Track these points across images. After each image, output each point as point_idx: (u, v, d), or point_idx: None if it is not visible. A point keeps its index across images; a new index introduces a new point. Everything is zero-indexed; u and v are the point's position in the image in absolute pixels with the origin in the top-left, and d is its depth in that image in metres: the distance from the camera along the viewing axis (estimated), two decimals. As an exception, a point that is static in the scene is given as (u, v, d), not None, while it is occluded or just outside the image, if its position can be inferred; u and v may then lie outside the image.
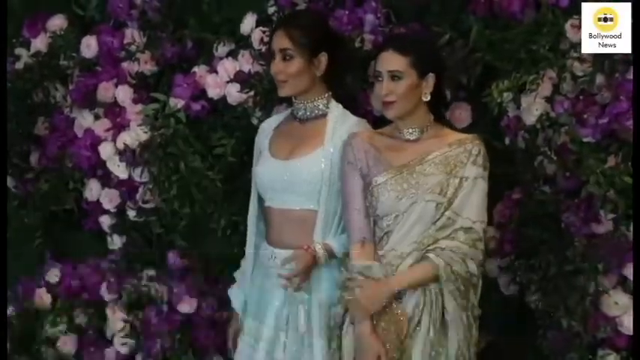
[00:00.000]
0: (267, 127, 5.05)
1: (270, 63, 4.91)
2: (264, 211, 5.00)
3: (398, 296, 4.51)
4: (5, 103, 5.72)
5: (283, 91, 4.88)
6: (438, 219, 4.49)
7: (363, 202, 4.64)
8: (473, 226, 4.50)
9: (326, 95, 4.92)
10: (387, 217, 4.57)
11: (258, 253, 5.02)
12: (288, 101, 5.14)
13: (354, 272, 4.55)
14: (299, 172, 4.80)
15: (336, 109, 4.91)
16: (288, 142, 4.90)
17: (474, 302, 4.56)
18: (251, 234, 5.06)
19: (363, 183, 4.65)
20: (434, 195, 4.49)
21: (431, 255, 4.45)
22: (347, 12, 5.34)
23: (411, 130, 4.63)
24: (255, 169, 4.99)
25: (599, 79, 4.99)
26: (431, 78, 4.59)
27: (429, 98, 4.59)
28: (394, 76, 4.54)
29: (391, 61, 4.56)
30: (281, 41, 4.81)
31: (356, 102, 5.28)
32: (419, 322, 4.48)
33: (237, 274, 5.15)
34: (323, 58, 4.87)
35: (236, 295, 5.09)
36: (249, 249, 5.06)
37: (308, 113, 4.90)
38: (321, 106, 4.89)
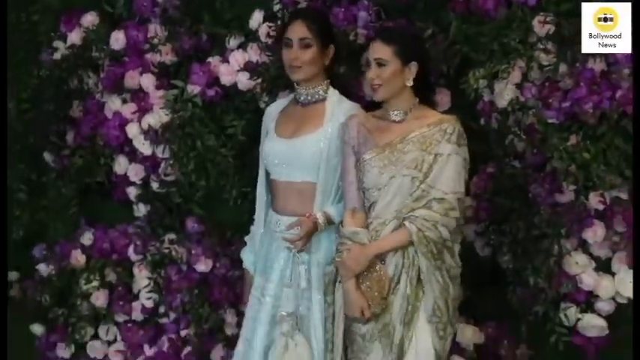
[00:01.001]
0: (273, 111, 5.02)
1: (280, 51, 4.86)
2: (270, 184, 4.93)
3: (381, 259, 4.54)
4: (5, 104, 5.62)
5: (296, 76, 4.84)
6: (414, 191, 4.49)
7: (355, 176, 4.65)
8: (445, 197, 4.47)
9: (325, 82, 4.90)
10: (372, 190, 4.59)
11: (265, 220, 4.93)
12: (291, 87, 5.07)
13: (344, 237, 4.59)
14: (301, 149, 4.79)
15: (333, 95, 4.90)
16: (292, 123, 4.88)
17: (450, 263, 4.55)
18: (260, 203, 5.01)
19: (356, 160, 4.65)
20: (410, 170, 4.50)
21: (406, 222, 4.47)
22: (342, 9, 5.30)
23: (396, 112, 4.62)
24: (263, 147, 4.93)
25: (562, 68, 4.95)
26: (413, 66, 4.59)
27: (411, 84, 4.59)
28: (380, 64, 4.56)
29: (378, 49, 4.57)
30: (301, 30, 4.78)
31: (350, 88, 5.18)
32: (398, 280, 4.52)
33: (247, 238, 5.14)
34: (331, 50, 4.89)
35: (247, 256, 5.09)
36: (258, 216, 5.03)
37: (309, 98, 4.87)
38: (320, 92, 4.87)
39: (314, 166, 4.79)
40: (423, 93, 4.71)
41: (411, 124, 4.61)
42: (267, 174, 4.99)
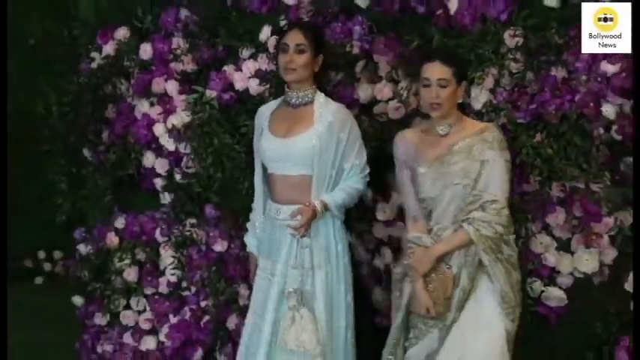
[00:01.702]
0: (265, 111, 4.98)
1: (278, 56, 4.85)
2: (267, 177, 4.94)
3: (446, 262, 4.55)
4: (5, 106, 5.66)
5: (289, 77, 4.81)
6: (468, 197, 4.48)
7: (411, 187, 4.63)
8: (496, 198, 4.48)
9: (313, 87, 4.87)
10: (427, 199, 4.56)
11: (265, 209, 4.98)
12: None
13: (409, 242, 4.61)
14: (296, 146, 4.78)
15: (320, 97, 4.87)
16: (285, 123, 4.85)
17: (508, 252, 4.56)
18: (258, 194, 5.03)
19: (410, 173, 4.63)
20: (460, 179, 4.48)
21: (464, 225, 4.47)
22: (340, 24, 5.28)
23: (443, 127, 4.57)
24: (260, 144, 4.91)
25: (529, 75, 4.95)
26: (464, 85, 4.61)
27: (461, 101, 4.61)
28: (441, 85, 4.49)
29: (439, 71, 4.50)
30: (297, 37, 4.77)
31: (346, 92, 5.23)
32: (459, 278, 4.53)
33: (248, 225, 5.13)
34: (320, 59, 4.87)
35: (250, 240, 5.09)
36: (257, 205, 5.05)
37: (300, 100, 4.85)
38: (309, 95, 4.85)
39: (308, 161, 4.77)
40: (462, 104, 4.70)
41: (454, 137, 4.57)
42: (264, 168, 4.97)
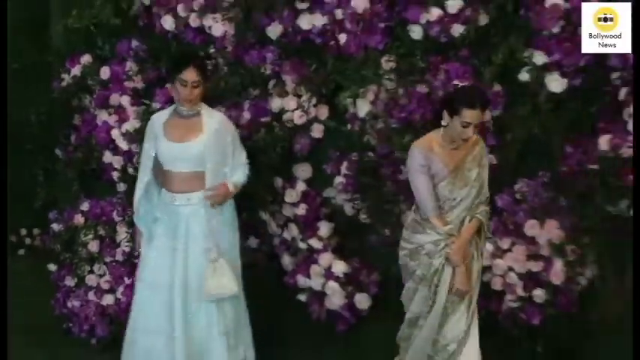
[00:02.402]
0: (157, 120, 4.79)
1: (176, 88, 4.67)
2: (164, 172, 4.77)
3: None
4: (5, 108, 5.55)
5: (187, 106, 4.65)
6: (476, 195, 4.34)
7: (430, 190, 4.32)
8: (488, 194, 4.40)
9: (200, 102, 4.72)
10: (449, 201, 4.34)
11: (159, 197, 4.82)
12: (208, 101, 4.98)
13: (444, 234, 4.33)
14: (189, 150, 4.68)
15: (206, 109, 4.77)
16: (178, 130, 4.69)
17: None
18: (141, 186, 4.82)
19: (429, 178, 4.32)
20: (474, 182, 4.33)
21: (478, 216, 4.33)
22: (256, 51, 5.28)
23: (454, 144, 4.30)
24: (158, 148, 4.73)
25: (400, 91, 4.94)
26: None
27: None
28: (476, 126, 4.22)
29: (479, 117, 4.21)
30: (193, 75, 4.60)
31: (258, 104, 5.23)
32: (472, 258, 4.41)
33: (135, 209, 4.87)
34: (207, 86, 4.77)
35: (141, 222, 4.88)
36: (140, 195, 4.82)
37: (190, 112, 4.70)
38: (197, 108, 4.70)
39: (199, 161, 4.67)
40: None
41: (462, 149, 4.34)
42: (158, 164, 4.80)
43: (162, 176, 4.81)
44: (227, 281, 4.70)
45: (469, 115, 4.18)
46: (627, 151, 4.50)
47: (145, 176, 4.82)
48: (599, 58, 4.58)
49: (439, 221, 4.33)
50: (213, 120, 4.74)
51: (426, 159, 4.30)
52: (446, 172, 4.30)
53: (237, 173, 4.81)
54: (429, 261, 4.39)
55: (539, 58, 4.67)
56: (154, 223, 4.84)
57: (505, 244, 4.88)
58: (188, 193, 4.71)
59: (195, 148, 4.68)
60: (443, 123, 4.30)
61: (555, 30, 4.59)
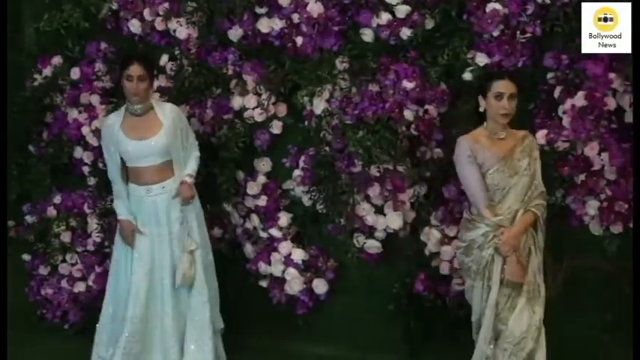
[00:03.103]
0: (113, 122, 4.81)
1: (124, 85, 4.74)
2: (130, 169, 4.81)
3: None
4: (5, 109, 5.57)
5: (135, 100, 4.72)
6: (530, 187, 4.22)
7: (481, 182, 4.25)
8: (543, 188, 4.27)
9: (150, 99, 4.83)
10: (498, 190, 4.23)
11: (127, 191, 4.84)
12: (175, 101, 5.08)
13: (493, 225, 4.23)
14: (153, 146, 4.74)
15: (156, 103, 4.85)
16: (136, 129, 4.74)
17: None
18: (119, 182, 4.85)
19: (478, 168, 4.23)
20: (526, 171, 4.20)
21: (532, 209, 4.20)
22: (218, 53, 5.31)
23: (502, 133, 4.24)
24: (120, 148, 4.75)
25: (353, 90, 4.99)
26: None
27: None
28: (512, 97, 4.16)
29: (510, 86, 4.15)
30: (138, 70, 4.68)
31: (220, 102, 5.25)
32: (530, 252, 4.26)
33: (117, 202, 4.91)
34: (154, 81, 4.91)
35: (124, 212, 4.87)
36: (120, 190, 4.87)
37: (143, 110, 4.77)
38: (148, 104, 4.78)
39: (165, 152, 4.73)
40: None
41: (511, 140, 4.25)
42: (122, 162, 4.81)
43: (128, 173, 4.83)
44: (189, 274, 4.79)
45: (499, 85, 4.15)
46: (562, 145, 4.61)
47: (117, 181, 4.85)
48: (536, 59, 4.70)
49: (489, 212, 4.24)
50: (166, 111, 4.79)
51: (471, 149, 4.24)
52: (494, 160, 4.21)
53: (190, 162, 4.88)
54: (480, 253, 4.28)
55: (481, 59, 4.78)
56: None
57: (452, 231, 4.97)
58: (161, 182, 4.78)
59: (160, 142, 4.73)
60: (481, 109, 4.30)
61: (495, 33, 4.71)
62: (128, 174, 4.84)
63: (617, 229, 4.71)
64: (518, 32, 4.70)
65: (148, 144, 4.74)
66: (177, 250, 4.82)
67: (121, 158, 4.82)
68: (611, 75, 4.53)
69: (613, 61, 4.52)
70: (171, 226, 4.82)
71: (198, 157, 4.96)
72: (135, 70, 4.68)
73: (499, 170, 4.22)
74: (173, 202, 4.80)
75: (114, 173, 4.85)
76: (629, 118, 4.59)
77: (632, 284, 4.31)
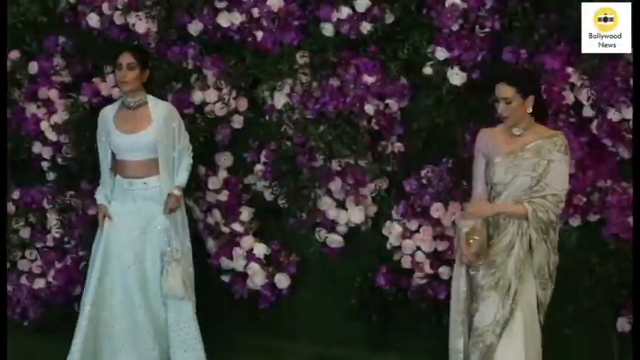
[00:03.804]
0: (108, 113, 4.81)
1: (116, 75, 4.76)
2: (117, 161, 4.80)
3: (500, 227, 4.09)
4: (5, 107, 5.48)
5: (125, 88, 4.72)
6: (534, 186, 4.00)
7: (483, 174, 4.15)
8: (557, 192, 4.00)
9: (144, 92, 4.78)
10: (498, 185, 4.07)
11: (113, 183, 4.83)
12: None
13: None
14: (142, 139, 4.71)
15: (152, 100, 4.80)
16: (128, 122, 4.73)
17: (553, 237, 4.09)
18: (106, 173, 4.84)
19: (485, 161, 4.13)
20: (529, 172, 4.00)
21: (525, 203, 3.98)
22: (178, 47, 5.25)
23: (517, 130, 4.04)
24: (111, 140, 4.75)
25: (314, 84, 5.00)
26: (531, 98, 4.00)
27: (530, 111, 4.01)
28: (506, 102, 3.98)
29: (503, 90, 3.98)
30: (127, 58, 4.68)
31: (181, 97, 5.21)
32: (513, 246, 4.05)
33: (99, 190, 4.90)
34: (147, 72, 4.79)
35: (101, 197, 4.85)
36: (105, 181, 4.85)
37: (136, 104, 4.75)
38: (143, 99, 4.75)
39: (152, 149, 4.71)
40: (538, 114, 4.08)
41: (528, 137, 4.04)
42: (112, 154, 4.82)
43: (116, 165, 4.82)
44: (179, 284, 4.74)
45: (496, 89, 4.03)
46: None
47: (105, 170, 4.84)
48: (495, 54, 4.71)
49: (478, 200, 4.17)
50: (159, 109, 4.77)
51: (481, 140, 4.18)
52: (498, 153, 4.09)
53: (180, 172, 4.85)
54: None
55: (441, 53, 4.77)
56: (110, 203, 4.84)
57: (413, 225, 4.96)
58: (144, 178, 4.75)
59: (146, 138, 4.71)
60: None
61: (455, 28, 4.70)
62: (116, 165, 4.83)
63: (575, 222, 4.72)
64: (477, 27, 4.70)
65: (134, 138, 4.73)
66: (150, 244, 4.77)
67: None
68: (569, 69, 4.55)
69: (570, 55, 4.54)
70: (150, 221, 4.79)
71: (190, 165, 4.93)
72: (124, 58, 4.69)
73: (500, 164, 4.07)
74: (154, 198, 4.79)
75: (103, 163, 4.85)
76: (587, 112, 4.59)
77: (632, 286, 4.30)
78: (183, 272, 4.77)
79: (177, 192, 4.79)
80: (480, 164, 4.19)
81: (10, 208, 5.69)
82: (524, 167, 4.03)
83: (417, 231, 4.94)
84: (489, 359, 4.06)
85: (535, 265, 4.07)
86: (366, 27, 4.87)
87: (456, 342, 4.19)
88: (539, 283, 4.09)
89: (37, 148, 5.60)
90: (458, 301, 4.18)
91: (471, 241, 4.06)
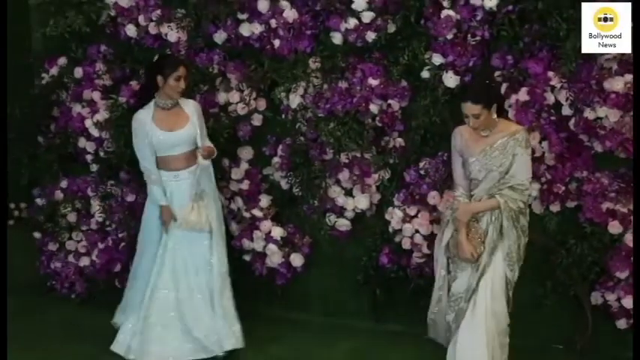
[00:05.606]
0: (144, 116, 4.75)
1: (169, 83, 4.69)
2: (160, 157, 4.78)
3: (478, 219, 4.20)
4: (5, 109, 5.50)
5: (178, 96, 4.73)
6: (501, 179, 4.10)
7: (461, 169, 4.23)
8: (522, 182, 4.09)
9: None
10: (474, 180, 4.18)
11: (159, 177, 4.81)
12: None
13: (456, 202, 4.27)
14: (183, 137, 4.75)
15: (181, 99, 4.79)
16: (166, 121, 4.73)
17: (523, 222, 4.18)
18: (155, 170, 4.79)
19: (461, 159, 4.22)
20: (497, 168, 4.10)
21: (497, 196, 4.10)
22: (205, 54, 5.26)
23: (485, 132, 4.13)
24: (154, 139, 4.71)
25: (325, 86, 4.99)
26: (494, 106, 4.08)
27: (495, 116, 4.09)
28: (475, 117, 4.04)
29: (471, 109, 4.03)
30: (183, 71, 4.68)
31: (207, 98, 5.24)
32: (487, 231, 4.17)
33: (156, 189, 4.81)
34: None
35: (160, 197, 4.83)
36: (156, 177, 4.80)
37: (172, 104, 4.76)
38: (176, 99, 4.77)
39: (193, 142, 4.76)
40: (501, 112, 4.18)
41: (494, 137, 4.11)
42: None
43: (159, 161, 4.80)
44: (204, 218, 4.80)
45: (464, 108, 4.09)
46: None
47: (154, 170, 4.80)
48: (485, 60, 4.74)
49: (460, 194, 4.26)
50: (189, 106, 4.80)
51: (456, 139, 4.22)
52: (471, 153, 4.16)
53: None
54: (446, 230, 4.34)
55: (437, 59, 4.79)
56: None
57: (412, 211, 5.00)
58: (188, 168, 4.77)
59: (188, 133, 4.75)
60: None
61: (449, 36, 4.72)
62: (157, 162, 4.82)
63: (555, 208, 4.77)
64: (469, 36, 4.72)
65: (177, 134, 4.75)
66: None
67: None
68: (550, 73, 4.58)
69: (551, 61, 4.58)
70: (182, 203, 4.81)
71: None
72: (183, 71, 4.70)
73: (475, 163, 4.17)
74: (192, 181, 4.79)
75: (150, 163, 4.79)
76: (566, 111, 4.63)
77: (633, 279, 4.34)
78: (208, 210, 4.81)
79: (209, 143, 4.81)
80: (457, 162, 4.26)
81: (59, 195, 5.79)
82: (494, 163, 4.11)
83: (416, 216, 4.98)
84: (461, 318, 4.22)
85: (505, 248, 4.16)
86: (370, 36, 4.89)
87: (435, 304, 4.41)
88: (507, 264, 4.18)
89: (82, 143, 5.67)
90: (439, 273, 4.38)
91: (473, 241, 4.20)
